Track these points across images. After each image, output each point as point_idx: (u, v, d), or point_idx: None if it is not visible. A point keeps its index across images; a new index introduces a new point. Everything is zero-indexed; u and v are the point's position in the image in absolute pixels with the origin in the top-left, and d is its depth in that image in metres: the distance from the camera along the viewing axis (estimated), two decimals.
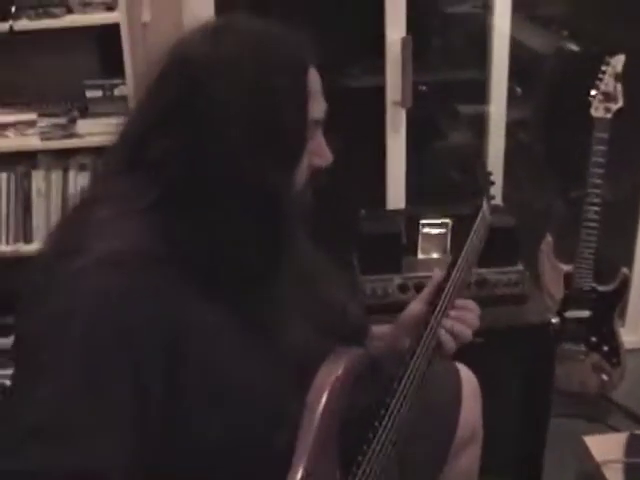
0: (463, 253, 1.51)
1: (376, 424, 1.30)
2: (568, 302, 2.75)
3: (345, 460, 1.27)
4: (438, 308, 1.44)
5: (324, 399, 1.23)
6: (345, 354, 1.30)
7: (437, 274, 1.52)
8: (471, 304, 1.51)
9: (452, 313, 1.47)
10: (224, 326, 1.22)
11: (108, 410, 1.07)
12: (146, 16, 2.55)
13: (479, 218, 1.56)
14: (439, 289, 1.47)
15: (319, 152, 1.32)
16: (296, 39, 1.27)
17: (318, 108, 1.29)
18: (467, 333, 1.48)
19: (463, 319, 1.48)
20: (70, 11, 2.48)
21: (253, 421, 1.24)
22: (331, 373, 1.26)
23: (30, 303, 1.17)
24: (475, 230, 1.55)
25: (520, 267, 2.38)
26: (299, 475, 1.17)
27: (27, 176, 2.63)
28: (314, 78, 1.28)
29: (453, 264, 1.49)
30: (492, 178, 1.66)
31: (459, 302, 1.49)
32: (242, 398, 1.23)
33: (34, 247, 2.61)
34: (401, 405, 1.34)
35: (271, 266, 1.24)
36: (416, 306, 1.55)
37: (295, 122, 1.24)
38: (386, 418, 1.31)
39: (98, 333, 1.09)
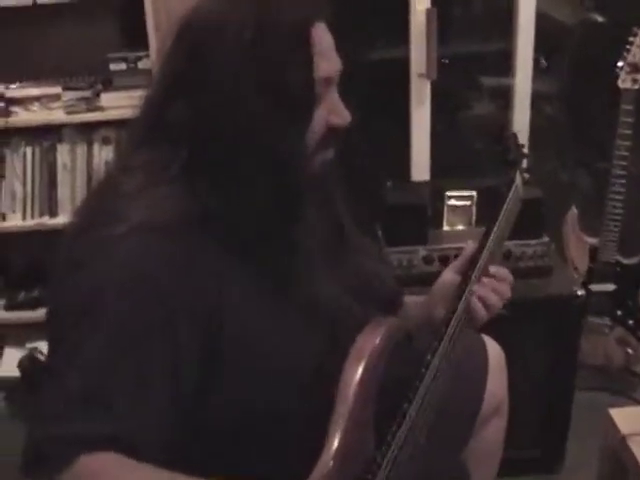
0: (497, 224, 1.48)
1: (410, 395, 1.29)
2: (593, 275, 2.73)
3: (378, 430, 1.27)
4: (471, 280, 1.42)
5: (361, 369, 1.22)
6: (382, 323, 1.29)
7: (470, 245, 1.49)
8: (503, 273, 1.48)
9: (485, 281, 1.44)
10: (257, 292, 1.23)
11: (146, 377, 1.09)
12: None
13: (512, 191, 1.53)
14: (472, 260, 1.44)
15: (335, 110, 1.29)
16: None
17: (328, 66, 1.26)
18: (499, 303, 1.45)
19: (495, 289, 1.45)
20: None
21: (287, 389, 1.25)
22: (368, 343, 1.25)
23: (66, 273, 1.18)
24: (508, 202, 1.52)
25: (545, 239, 2.37)
26: (335, 444, 1.17)
27: (52, 150, 2.65)
28: (322, 35, 1.25)
29: (486, 235, 1.46)
30: (525, 151, 1.63)
31: (492, 269, 1.46)
32: (276, 365, 1.24)
33: (59, 221, 2.63)
34: (434, 377, 1.33)
35: (293, 225, 1.24)
36: (448, 275, 1.52)
37: (300, 79, 1.21)
38: (420, 389, 1.30)
39: (138, 298, 1.11)
